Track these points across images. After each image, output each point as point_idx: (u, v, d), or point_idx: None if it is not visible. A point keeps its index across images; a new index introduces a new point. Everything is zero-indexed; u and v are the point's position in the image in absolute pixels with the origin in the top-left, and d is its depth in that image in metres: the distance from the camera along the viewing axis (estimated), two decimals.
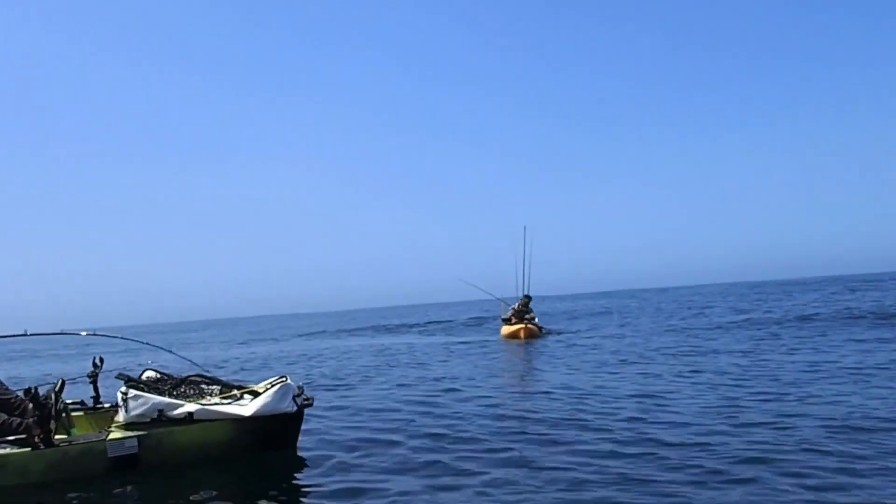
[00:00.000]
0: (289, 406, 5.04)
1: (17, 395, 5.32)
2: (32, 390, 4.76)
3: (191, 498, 4.35)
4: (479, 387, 8.70)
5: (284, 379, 5.17)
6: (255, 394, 5.12)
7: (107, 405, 5.82)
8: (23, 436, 4.80)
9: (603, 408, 6.62)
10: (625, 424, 5.75)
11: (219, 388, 5.23)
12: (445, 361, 13.00)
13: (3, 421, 4.93)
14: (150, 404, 4.88)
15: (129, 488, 4.63)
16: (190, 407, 4.90)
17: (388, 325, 33.53)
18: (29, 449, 4.74)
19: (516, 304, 20.98)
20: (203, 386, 5.27)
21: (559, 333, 20.57)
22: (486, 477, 4.36)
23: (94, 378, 5.77)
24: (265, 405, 4.95)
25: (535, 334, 19.35)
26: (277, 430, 5.11)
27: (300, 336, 28.99)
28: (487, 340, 19.35)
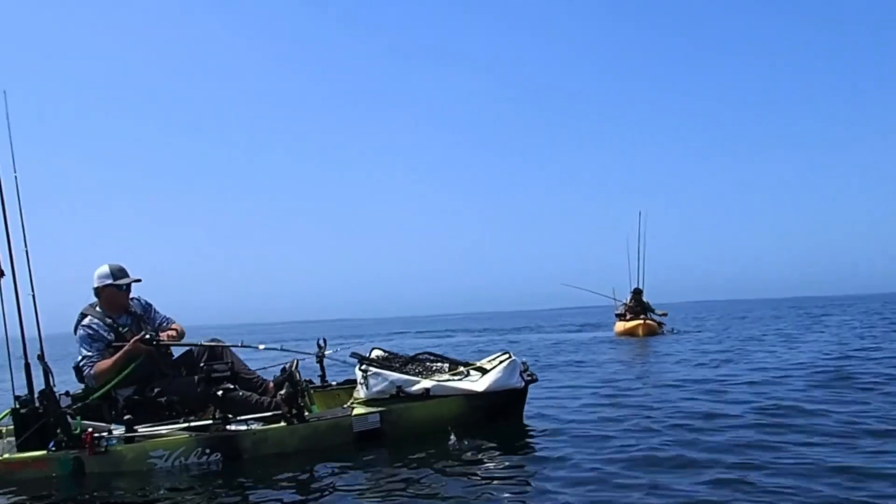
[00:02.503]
0: (517, 382, 5.16)
1: (259, 375, 5.79)
2: (287, 369, 5.15)
3: (429, 467, 4.52)
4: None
5: (509, 355, 5.29)
6: (482, 370, 5.28)
7: (333, 384, 6.20)
8: (277, 412, 5.20)
9: None
10: None
11: (447, 365, 5.44)
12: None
13: (257, 400, 5.37)
14: (389, 381, 5.14)
15: (371, 458, 4.92)
16: (426, 383, 5.12)
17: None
18: (284, 424, 5.14)
19: (627, 299, 20.17)
20: (429, 363, 5.49)
21: (685, 332, 19.20)
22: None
23: (320, 358, 6.16)
24: (496, 381, 5.09)
25: (654, 331, 18.15)
26: (505, 404, 5.26)
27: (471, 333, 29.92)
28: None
